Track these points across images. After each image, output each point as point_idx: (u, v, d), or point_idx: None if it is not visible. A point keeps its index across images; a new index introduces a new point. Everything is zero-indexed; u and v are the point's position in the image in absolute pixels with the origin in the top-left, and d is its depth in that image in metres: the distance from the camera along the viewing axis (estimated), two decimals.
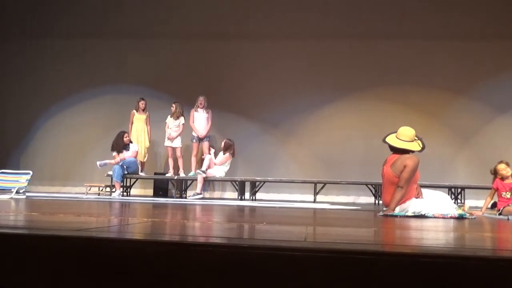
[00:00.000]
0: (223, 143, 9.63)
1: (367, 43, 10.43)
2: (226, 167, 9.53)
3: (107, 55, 11.06)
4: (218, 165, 9.44)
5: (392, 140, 5.38)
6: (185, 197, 9.53)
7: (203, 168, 9.27)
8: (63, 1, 11.38)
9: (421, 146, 5.37)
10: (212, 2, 10.95)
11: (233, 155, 9.60)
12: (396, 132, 5.47)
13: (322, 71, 10.49)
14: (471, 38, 10.22)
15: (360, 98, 10.38)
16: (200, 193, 9.15)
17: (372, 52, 10.40)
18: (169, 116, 9.89)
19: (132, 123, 10.02)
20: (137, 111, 10.05)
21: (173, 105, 9.84)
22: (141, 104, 10.03)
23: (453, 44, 10.27)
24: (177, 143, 9.84)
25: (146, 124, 10.09)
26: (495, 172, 6.36)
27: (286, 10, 10.70)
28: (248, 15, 10.81)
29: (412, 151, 5.34)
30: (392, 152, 5.39)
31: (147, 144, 10.07)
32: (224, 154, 9.51)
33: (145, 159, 10.04)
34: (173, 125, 9.84)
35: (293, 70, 10.54)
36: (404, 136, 5.35)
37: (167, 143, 9.85)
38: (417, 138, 5.42)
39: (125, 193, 9.51)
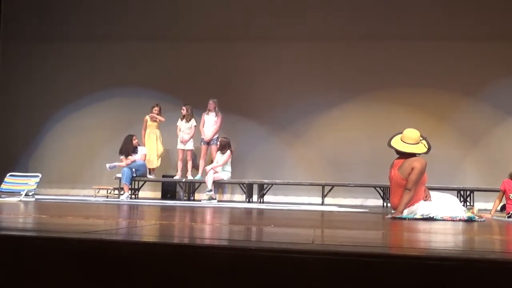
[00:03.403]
0: (218, 142, 9.58)
1: (375, 45, 10.40)
2: (229, 167, 9.49)
3: (115, 58, 11.10)
4: (222, 166, 9.37)
5: (397, 144, 5.36)
6: (193, 200, 9.55)
7: (209, 186, 9.10)
8: (72, 5, 11.45)
9: (427, 147, 5.36)
10: (220, 5, 10.97)
11: (231, 152, 9.54)
12: (399, 133, 5.45)
13: (329, 73, 10.47)
14: (479, 39, 10.17)
15: (367, 100, 10.35)
16: (215, 198, 9.15)
17: (379, 54, 10.37)
18: (179, 119, 9.91)
19: (145, 129, 10.04)
20: (150, 118, 10.03)
21: (184, 108, 9.86)
22: (155, 110, 10.01)
23: (461, 45, 10.22)
24: (189, 145, 9.88)
25: (159, 129, 10.08)
26: None
27: (294, 12, 10.70)
28: (256, 17, 10.82)
29: (419, 154, 5.32)
30: (398, 156, 5.38)
31: (161, 149, 10.07)
32: (223, 153, 9.44)
33: (156, 165, 10.02)
34: (185, 128, 9.87)
35: (300, 72, 10.53)
36: (409, 139, 5.34)
37: (180, 146, 9.87)
38: (422, 139, 5.41)
39: (133, 196, 9.54)
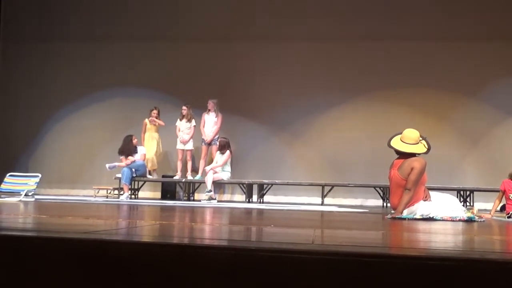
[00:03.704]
0: (218, 142, 9.58)
1: (375, 45, 10.40)
2: (228, 167, 9.48)
3: (116, 58, 11.10)
4: (222, 166, 9.37)
5: (397, 144, 5.36)
6: (193, 200, 9.55)
7: (208, 187, 9.08)
8: (72, 5, 11.45)
9: (427, 147, 5.37)
10: (220, 5, 10.97)
11: (231, 152, 9.53)
12: (399, 133, 5.46)
13: (329, 73, 10.48)
14: (479, 40, 10.17)
15: (367, 100, 10.36)
16: (214, 198, 9.14)
17: (380, 54, 10.37)
18: (178, 119, 9.91)
19: (144, 132, 10.02)
20: (149, 121, 10.01)
21: (185, 108, 9.86)
22: (153, 113, 9.98)
23: (461, 46, 10.22)
24: (189, 145, 9.89)
25: (158, 132, 10.05)
26: None
27: (294, 12, 10.70)
28: (256, 17, 10.82)
29: (419, 154, 5.33)
30: (398, 156, 5.38)
31: (160, 150, 10.03)
32: (222, 153, 9.43)
33: (155, 167, 10.02)
34: (185, 128, 9.87)
35: (300, 72, 10.54)
36: (409, 139, 5.34)
37: (179, 146, 9.87)
38: (421, 139, 5.41)
39: (133, 196, 9.54)
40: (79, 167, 10.94)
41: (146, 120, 10.04)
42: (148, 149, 9.89)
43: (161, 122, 10.03)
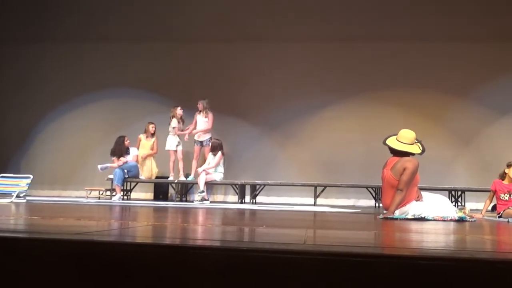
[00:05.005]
0: (210, 144, 9.57)
1: (368, 46, 10.44)
2: (221, 168, 9.48)
3: (108, 59, 11.07)
4: (214, 167, 9.35)
5: (392, 142, 5.38)
6: (185, 201, 9.53)
7: (201, 187, 9.07)
8: (64, 5, 11.41)
9: (421, 149, 5.39)
10: (213, 5, 10.97)
11: (223, 153, 9.52)
12: (396, 134, 5.48)
13: (322, 74, 10.50)
14: (472, 40, 10.23)
15: (360, 101, 10.39)
16: (207, 199, 9.11)
17: (373, 54, 10.41)
18: (175, 120, 9.85)
19: (138, 148, 9.91)
20: (145, 136, 9.89)
21: (180, 108, 9.85)
22: (151, 128, 9.86)
23: (454, 46, 10.28)
24: (180, 146, 9.88)
25: (152, 149, 9.89)
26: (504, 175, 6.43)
27: (287, 13, 10.72)
28: (249, 18, 10.83)
29: (413, 154, 5.35)
30: (392, 155, 5.40)
31: (155, 170, 9.88)
32: (215, 154, 9.42)
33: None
34: (181, 128, 9.90)
35: (293, 73, 10.56)
36: (404, 138, 5.36)
37: (171, 147, 9.82)
38: (417, 141, 5.43)
39: (125, 197, 9.51)
40: (71, 168, 10.90)
41: (141, 136, 9.93)
42: (142, 167, 9.77)
43: (153, 151, 9.85)
